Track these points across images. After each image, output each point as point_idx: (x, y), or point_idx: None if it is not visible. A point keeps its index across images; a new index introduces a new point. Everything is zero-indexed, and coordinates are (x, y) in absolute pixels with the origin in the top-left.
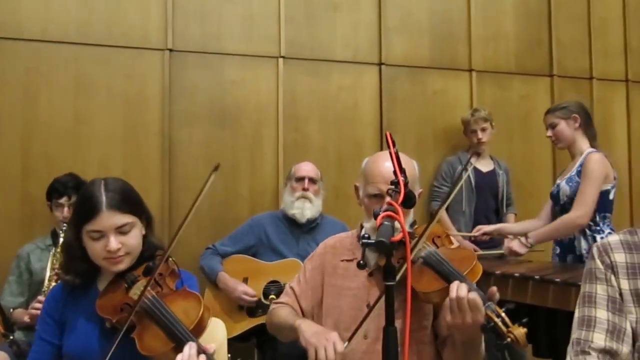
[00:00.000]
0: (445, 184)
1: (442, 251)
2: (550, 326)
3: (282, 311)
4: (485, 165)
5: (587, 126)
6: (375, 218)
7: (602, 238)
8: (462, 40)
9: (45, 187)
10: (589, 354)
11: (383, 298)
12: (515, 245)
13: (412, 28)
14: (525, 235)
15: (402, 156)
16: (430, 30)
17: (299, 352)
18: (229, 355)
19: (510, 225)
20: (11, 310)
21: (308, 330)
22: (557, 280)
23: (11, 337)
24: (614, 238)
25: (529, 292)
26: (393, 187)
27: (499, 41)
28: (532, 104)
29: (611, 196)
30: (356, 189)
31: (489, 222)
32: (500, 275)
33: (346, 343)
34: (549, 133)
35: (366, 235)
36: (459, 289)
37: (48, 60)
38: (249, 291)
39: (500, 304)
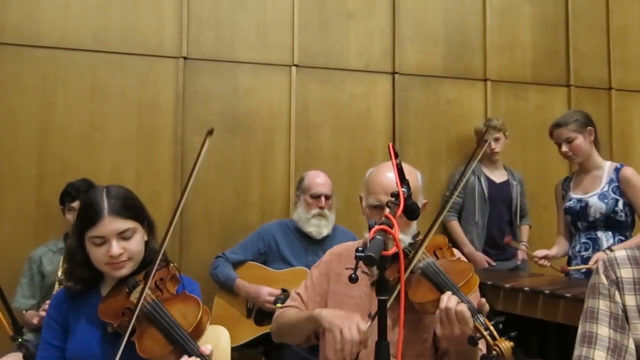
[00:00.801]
0: (458, 194)
1: (441, 263)
2: (562, 342)
3: (291, 311)
4: (498, 176)
5: (596, 137)
6: (370, 230)
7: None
8: (477, 49)
9: (59, 191)
10: None
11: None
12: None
13: (426, 36)
14: (609, 248)
15: (405, 166)
16: (444, 39)
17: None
18: None
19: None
20: (24, 311)
21: (330, 314)
22: (568, 295)
23: (20, 340)
24: (621, 253)
25: (539, 307)
26: (393, 199)
27: (515, 50)
28: (548, 115)
29: None
30: (360, 199)
31: (502, 234)
32: (510, 289)
33: (369, 322)
34: (565, 148)
35: (360, 249)
36: (448, 300)
37: (65, 66)
38: (273, 291)
39: (493, 315)
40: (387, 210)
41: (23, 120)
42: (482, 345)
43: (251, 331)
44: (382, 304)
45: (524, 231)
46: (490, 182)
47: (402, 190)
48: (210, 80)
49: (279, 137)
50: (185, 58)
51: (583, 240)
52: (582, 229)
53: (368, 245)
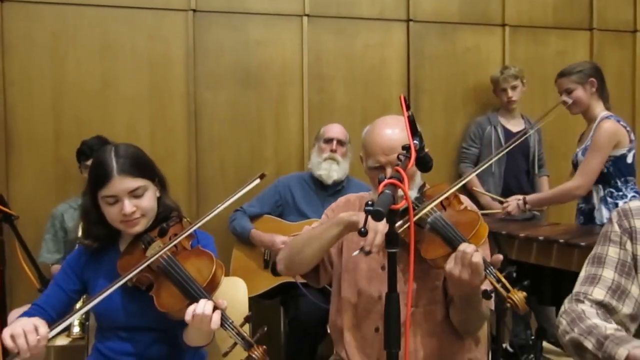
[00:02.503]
0: (474, 145)
1: (448, 214)
2: None
3: (306, 231)
4: (515, 125)
5: (602, 89)
6: (379, 183)
7: (624, 203)
8: None
9: (76, 149)
10: (582, 302)
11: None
12: (511, 207)
13: None
14: (524, 198)
15: (398, 119)
16: None
17: (318, 310)
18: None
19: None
20: (50, 265)
21: (338, 217)
22: (582, 244)
23: None
24: (636, 204)
25: (554, 256)
26: (405, 152)
27: None
28: (570, 60)
29: (629, 159)
30: (361, 159)
31: (519, 184)
32: (525, 238)
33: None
34: (564, 98)
35: (370, 202)
36: (467, 246)
37: (74, 23)
38: (286, 239)
39: (504, 266)
40: (389, 169)
41: (36, 79)
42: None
43: (268, 281)
44: (391, 257)
45: (544, 183)
46: (506, 131)
47: (413, 143)
48: (221, 33)
49: (292, 89)
50: (194, 11)
51: None
52: None
53: (377, 199)
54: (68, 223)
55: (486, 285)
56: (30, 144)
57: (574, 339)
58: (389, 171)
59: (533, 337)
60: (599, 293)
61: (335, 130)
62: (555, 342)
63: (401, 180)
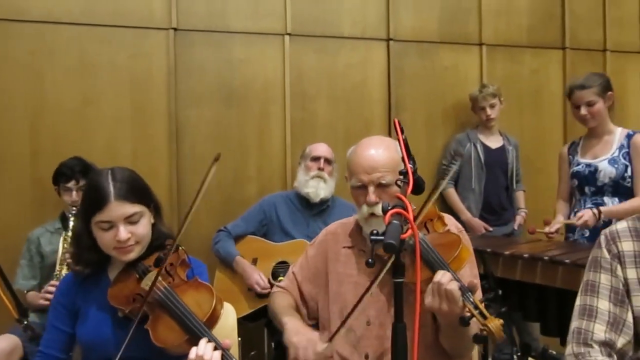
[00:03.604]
0: (453, 162)
1: (431, 237)
2: (561, 306)
3: (279, 300)
4: (494, 142)
5: (613, 103)
6: (384, 213)
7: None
8: (472, 13)
9: (54, 169)
10: (591, 346)
11: (372, 286)
12: (587, 216)
13: (421, 2)
14: (598, 209)
15: (389, 140)
16: (439, 4)
17: None
18: (239, 338)
19: (561, 217)
20: (25, 292)
21: (292, 331)
22: (567, 261)
23: (25, 322)
24: (623, 225)
25: (539, 273)
26: (402, 177)
27: (511, 13)
28: (544, 78)
29: None
30: (346, 179)
31: (499, 199)
32: (510, 256)
33: (326, 344)
34: (584, 111)
35: (375, 232)
36: (442, 276)
37: (52, 41)
38: (261, 283)
39: (493, 283)
40: (371, 188)
41: (14, 97)
42: (475, 321)
43: (253, 303)
44: (398, 287)
45: (520, 197)
46: (486, 148)
47: (410, 167)
48: (203, 52)
49: (275, 108)
50: (175, 29)
51: (589, 205)
52: (589, 193)
53: (386, 230)
54: (45, 247)
55: (464, 312)
56: (6, 164)
57: None
58: (371, 190)
59: (519, 354)
60: (599, 330)
61: (322, 149)
62: (538, 357)
63: (405, 208)
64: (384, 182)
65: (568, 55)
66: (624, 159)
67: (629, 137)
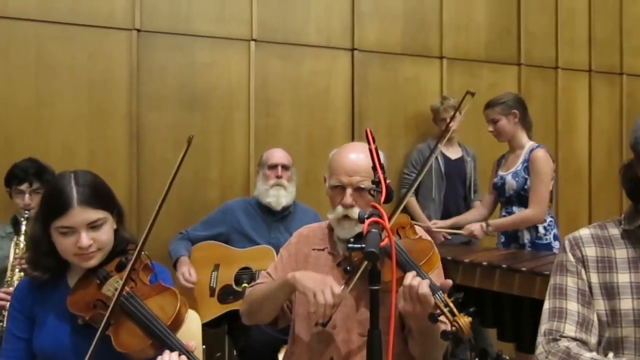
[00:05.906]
0: (415, 171)
1: (403, 242)
2: (516, 313)
3: (263, 285)
4: (454, 153)
5: (525, 118)
6: (362, 222)
7: (544, 227)
8: (434, 27)
9: (5, 172)
10: (559, 340)
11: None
12: (476, 230)
13: (385, 14)
14: (486, 222)
15: (365, 146)
16: (403, 17)
17: (270, 338)
18: (204, 346)
19: (463, 217)
20: None
21: (304, 277)
22: (523, 269)
23: None
24: (585, 232)
25: (496, 280)
26: (374, 186)
27: (470, 29)
28: (500, 92)
29: (550, 186)
30: (324, 179)
31: (457, 209)
32: (469, 264)
33: (342, 286)
34: (491, 128)
35: (352, 240)
36: (412, 279)
37: (7, 37)
38: (186, 275)
39: (452, 292)
40: (349, 190)
41: None
42: (444, 319)
43: (215, 309)
44: (374, 294)
45: (477, 207)
46: (446, 159)
47: (382, 176)
48: (166, 54)
49: (239, 113)
50: (138, 30)
51: (503, 214)
52: (502, 203)
53: (366, 239)
54: None
55: (434, 309)
56: None
57: None
58: (348, 191)
59: (477, 359)
60: (570, 329)
61: (278, 155)
62: None
63: (381, 216)
64: (362, 186)
65: (523, 71)
66: (524, 172)
67: (531, 151)
